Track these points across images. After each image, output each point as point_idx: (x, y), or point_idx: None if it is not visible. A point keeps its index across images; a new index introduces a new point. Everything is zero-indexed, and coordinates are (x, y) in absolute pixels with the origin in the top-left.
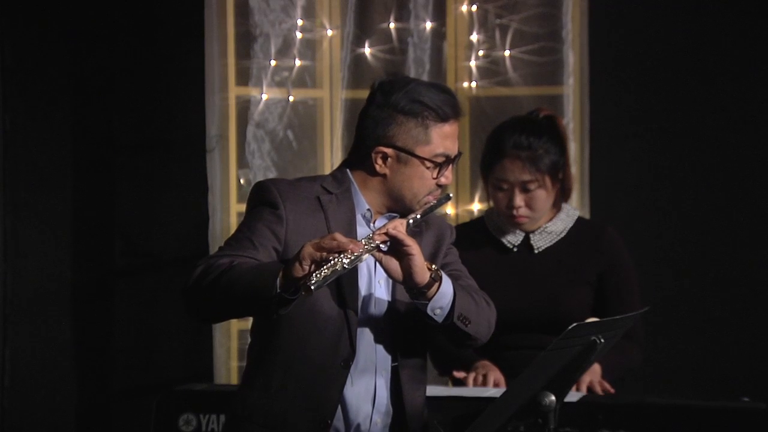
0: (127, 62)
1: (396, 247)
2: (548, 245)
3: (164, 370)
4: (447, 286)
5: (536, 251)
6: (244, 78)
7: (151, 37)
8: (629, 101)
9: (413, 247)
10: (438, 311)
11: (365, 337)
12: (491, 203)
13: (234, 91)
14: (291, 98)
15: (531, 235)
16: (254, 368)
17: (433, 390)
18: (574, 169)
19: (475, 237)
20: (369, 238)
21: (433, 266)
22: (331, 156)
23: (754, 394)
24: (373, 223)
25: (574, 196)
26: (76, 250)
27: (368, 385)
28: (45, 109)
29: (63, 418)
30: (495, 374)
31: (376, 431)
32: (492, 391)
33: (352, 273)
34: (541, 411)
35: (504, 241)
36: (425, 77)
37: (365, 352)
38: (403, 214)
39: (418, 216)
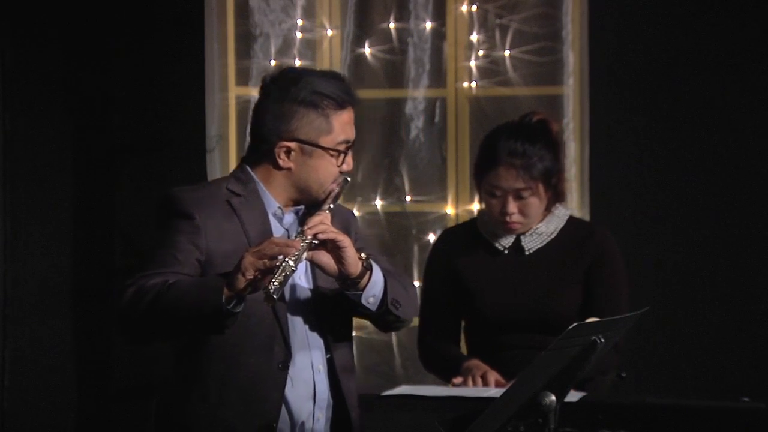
0: (127, 62)
1: (328, 242)
2: (539, 246)
3: (164, 370)
4: (378, 274)
5: (527, 252)
6: (244, 78)
7: (151, 38)
8: (629, 101)
9: (345, 240)
10: (371, 299)
11: (297, 335)
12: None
13: (234, 91)
14: None
15: (522, 237)
16: (187, 380)
17: (433, 390)
18: (574, 170)
19: (466, 239)
20: (301, 235)
21: (363, 255)
22: None
23: (754, 394)
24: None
25: (575, 196)
26: (76, 250)
27: (307, 383)
28: (45, 109)
29: (63, 418)
30: (493, 374)
31: (320, 427)
32: (492, 391)
33: None
34: (541, 411)
35: (495, 243)
36: (425, 77)
37: (300, 350)
38: (309, 205)
39: (332, 206)
